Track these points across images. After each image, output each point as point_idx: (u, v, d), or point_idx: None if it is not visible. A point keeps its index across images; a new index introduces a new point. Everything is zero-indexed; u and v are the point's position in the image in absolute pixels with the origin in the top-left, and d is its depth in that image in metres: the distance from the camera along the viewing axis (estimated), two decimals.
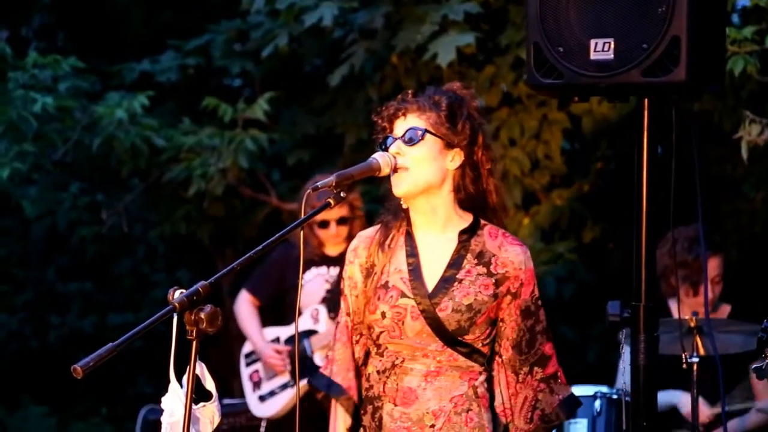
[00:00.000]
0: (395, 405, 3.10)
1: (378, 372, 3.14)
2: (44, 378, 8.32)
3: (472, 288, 3.09)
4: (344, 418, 3.23)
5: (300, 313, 5.27)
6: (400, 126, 3.12)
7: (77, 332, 8.70)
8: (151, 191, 6.80)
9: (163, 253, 8.71)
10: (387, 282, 3.13)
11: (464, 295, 3.08)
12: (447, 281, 3.10)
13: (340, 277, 5.18)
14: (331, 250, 5.29)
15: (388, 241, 3.18)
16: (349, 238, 5.22)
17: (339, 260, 5.23)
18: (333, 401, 3.22)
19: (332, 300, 5.20)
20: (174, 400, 2.69)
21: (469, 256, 3.12)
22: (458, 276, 3.10)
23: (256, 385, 5.37)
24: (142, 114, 6.15)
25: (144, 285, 8.77)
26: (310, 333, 5.25)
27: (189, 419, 2.62)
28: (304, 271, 5.26)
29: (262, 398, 5.33)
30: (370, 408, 3.15)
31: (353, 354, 3.22)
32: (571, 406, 3.18)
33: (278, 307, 5.45)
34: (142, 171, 6.51)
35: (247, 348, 5.45)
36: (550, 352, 3.18)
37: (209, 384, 2.73)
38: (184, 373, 2.66)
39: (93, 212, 7.27)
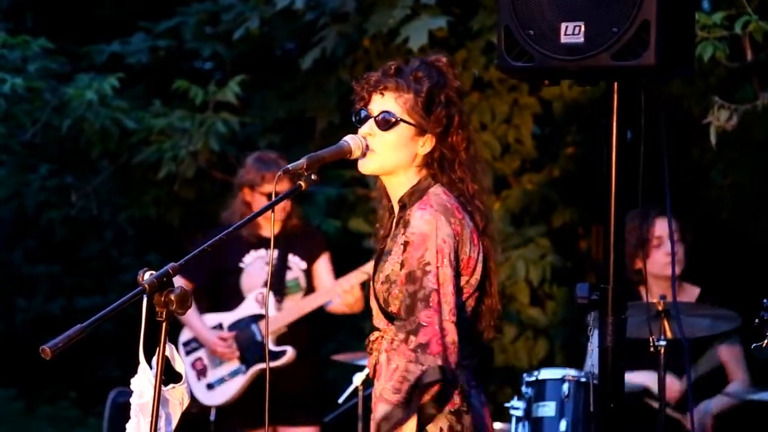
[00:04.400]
0: (376, 379, 3.11)
1: (366, 347, 3.17)
2: (11, 361, 8.27)
3: (393, 258, 3.06)
4: None
5: (242, 298, 5.19)
6: (377, 102, 3.08)
7: (45, 315, 8.65)
8: (121, 174, 6.77)
9: (132, 236, 8.67)
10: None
11: (389, 266, 3.05)
12: (384, 255, 3.09)
13: (279, 259, 5.18)
14: (268, 232, 5.17)
15: (382, 227, 3.20)
16: (286, 218, 5.17)
17: (276, 242, 5.12)
18: None
19: (275, 283, 5.16)
20: (143, 381, 2.69)
21: (402, 227, 3.07)
22: (392, 249, 3.08)
23: (201, 373, 5.23)
24: (112, 96, 6.12)
25: (113, 268, 8.73)
26: (257, 317, 5.17)
27: (158, 400, 2.62)
28: (243, 254, 5.19)
29: (210, 386, 5.23)
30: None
31: None
32: (431, 378, 2.92)
33: (216, 292, 5.31)
34: (111, 153, 6.48)
35: (185, 336, 5.28)
36: (425, 320, 2.94)
37: (179, 366, 2.73)
38: (154, 354, 2.65)
39: (62, 194, 7.22)
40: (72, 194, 6.76)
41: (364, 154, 3.06)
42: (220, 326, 5.23)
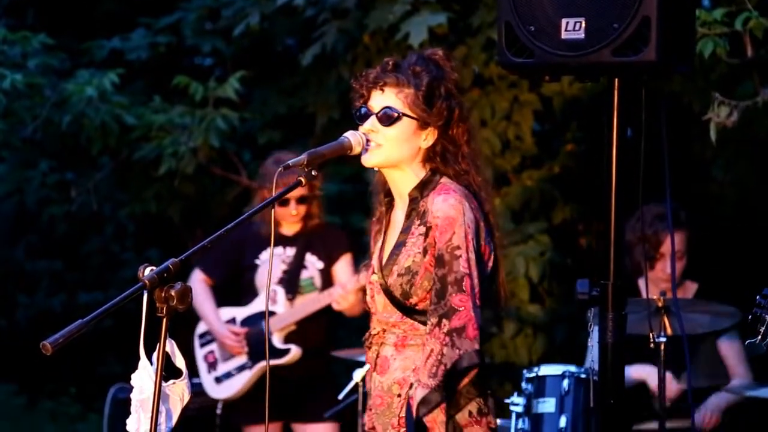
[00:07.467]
0: (377, 374, 3.16)
1: (364, 341, 3.22)
2: (13, 357, 8.28)
3: (412, 249, 3.09)
4: None
5: (256, 294, 5.23)
6: (377, 99, 3.10)
7: (46, 311, 8.66)
8: (121, 170, 6.77)
9: (132, 232, 8.68)
10: (371, 260, 3.22)
11: (406, 258, 3.09)
12: (397, 248, 3.13)
13: (295, 257, 5.21)
14: (287, 230, 5.21)
15: (379, 221, 3.24)
16: (306, 217, 5.21)
17: (295, 240, 5.21)
18: None
19: (289, 281, 5.18)
20: (144, 377, 2.69)
21: (416, 218, 3.12)
22: (406, 240, 3.11)
23: (212, 366, 5.28)
24: (112, 92, 6.12)
25: (113, 264, 8.74)
26: (268, 314, 5.17)
27: (159, 396, 2.62)
28: (260, 251, 5.22)
29: (218, 380, 5.27)
30: (370, 376, 3.22)
31: None
32: (469, 362, 2.98)
33: (233, 287, 5.36)
34: (112, 149, 6.48)
35: (201, 328, 5.34)
36: (459, 305, 2.99)
37: (179, 361, 2.73)
38: (154, 350, 2.66)
39: (62, 190, 7.22)
40: (72, 190, 6.76)
41: (365, 150, 3.08)
42: (233, 321, 5.27)
